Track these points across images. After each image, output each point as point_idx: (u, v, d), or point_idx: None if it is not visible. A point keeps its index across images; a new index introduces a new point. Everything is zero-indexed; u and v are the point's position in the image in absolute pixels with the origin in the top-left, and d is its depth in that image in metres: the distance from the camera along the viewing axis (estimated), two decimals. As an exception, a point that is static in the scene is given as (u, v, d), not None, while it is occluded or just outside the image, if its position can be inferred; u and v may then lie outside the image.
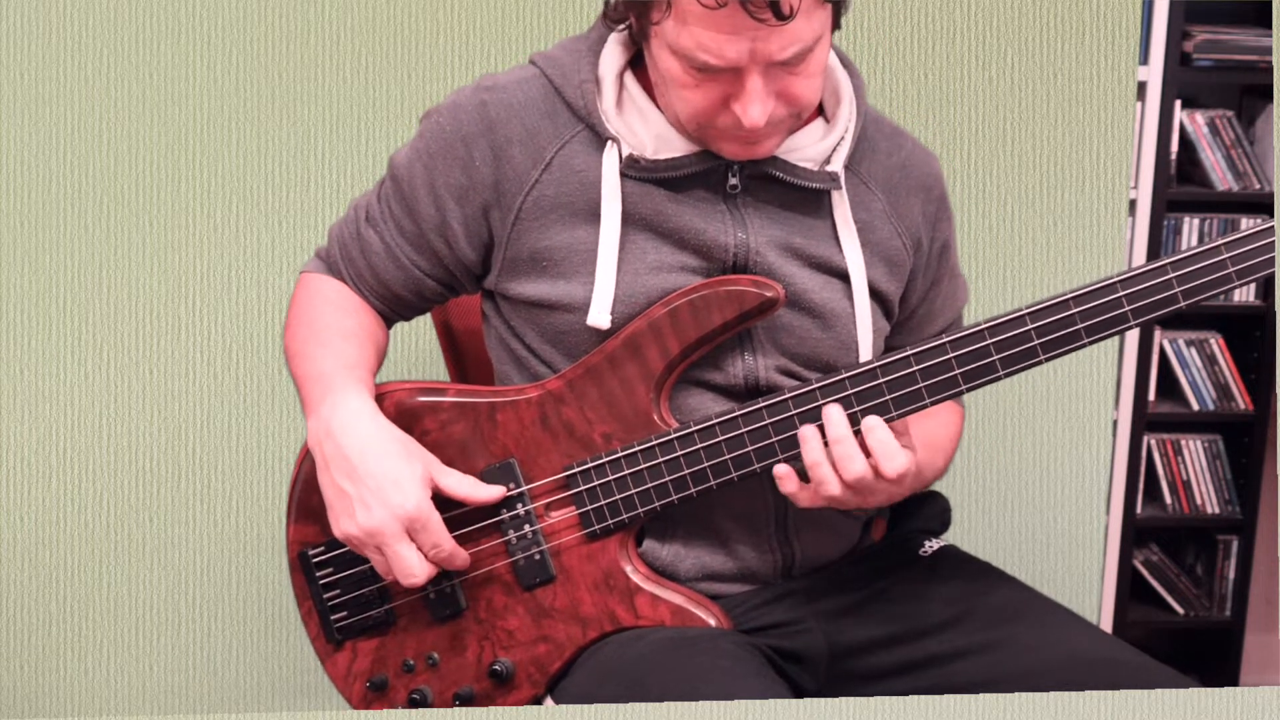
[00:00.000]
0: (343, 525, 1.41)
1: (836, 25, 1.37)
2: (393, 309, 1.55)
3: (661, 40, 1.34)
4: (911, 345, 1.38)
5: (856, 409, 1.38)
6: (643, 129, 1.43)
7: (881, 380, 1.38)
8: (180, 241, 2.06)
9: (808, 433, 1.37)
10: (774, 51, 1.30)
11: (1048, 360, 1.37)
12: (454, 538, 1.43)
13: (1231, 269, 1.34)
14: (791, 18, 1.28)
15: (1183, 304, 1.35)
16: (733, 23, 1.28)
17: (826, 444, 1.37)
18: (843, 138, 1.46)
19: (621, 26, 1.43)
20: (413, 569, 1.40)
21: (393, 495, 1.38)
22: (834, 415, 1.37)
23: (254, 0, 2.00)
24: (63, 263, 2.05)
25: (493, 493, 1.44)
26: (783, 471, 1.38)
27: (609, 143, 1.43)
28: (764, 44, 1.30)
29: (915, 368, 1.37)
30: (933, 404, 1.38)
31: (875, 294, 1.49)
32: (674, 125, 1.42)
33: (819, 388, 1.39)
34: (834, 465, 1.36)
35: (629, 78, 1.45)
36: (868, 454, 1.36)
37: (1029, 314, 1.37)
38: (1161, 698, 1.38)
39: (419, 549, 1.40)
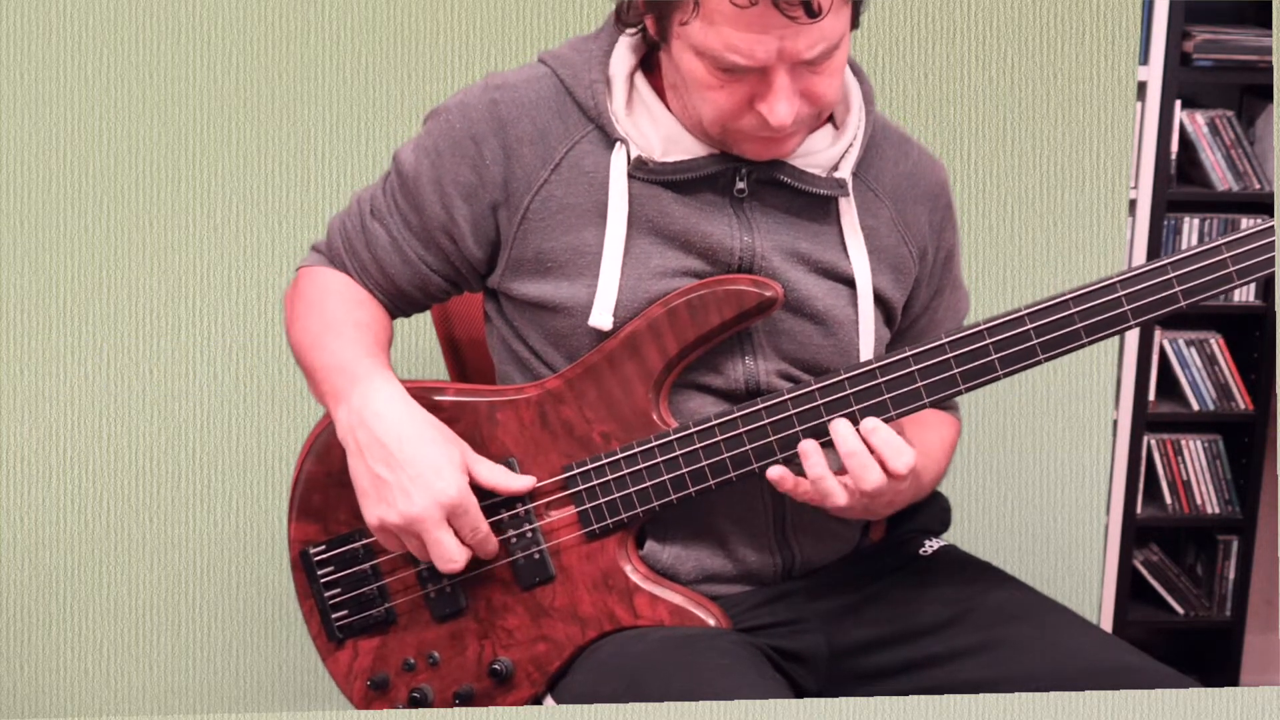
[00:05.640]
0: (380, 513, 1.40)
1: (855, 24, 1.38)
2: (395, 304, 1.55)
3: (685, 42, 1.34)
4: (911, 346, 1.39)
5: (855, 408, 1.39)
6: (652, 130, 1.43)
7: (880, 380, 1.38)
8: (180, 241, 2.06)
9: (808, 448, 1.37)
10: (801, 50, 1.31)
11: (1046, 360, 1.37)
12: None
13: (1232, 268, 1.34)
14: (822, 15, 1.28)
15: (1183, 304, 1.35)
16: (763, 22, 1.28)
17: (829, 456, 1.36)
18: (851, 144, 1.46)
19: (634, 31, 1.43)
20: (453, 554, 1.40)
21: (434, 482, 1.39)
22: (843, 429, 1.37)
23: (254, 0, 2.00)
24: (63, 263, 2.05)
25: (524, 482, 1.44)
26: (776, 474, 1.38)
27: (617, 144, 1.42)
28: (792, 42, 1.30)
29: (914, 368, 1.37)
30: (932, 404, 1.38)
31: (880, 301, 1.49)
32: (687, 128, 1.42)
33: (818, 388, 1.39)
34: (853, 477, 1.36)
35: (639, 79, 1.45)
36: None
37: (1028, 314, 1.37)
38: (1161, 698, 1.38)
39: (457, 534, 1.41)
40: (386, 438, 1.40)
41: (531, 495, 1.45)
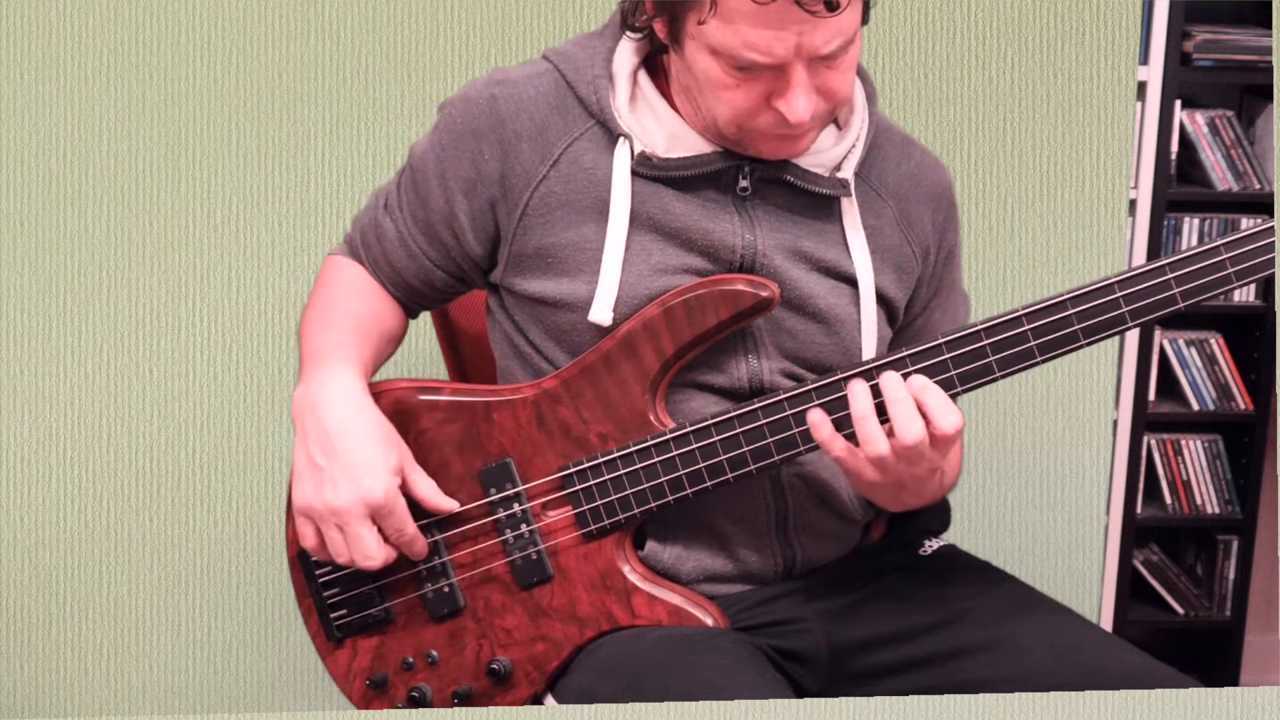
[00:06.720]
0: (307, 495, 1.42)
1: (865, 19, 1.38)
2: (407, 298, 1.56)
3: (700, 42, 1.34)
4: (908, 346, 1.38)
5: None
6: (655, 127, 1.43)
7: (878, 380, 1.38)
8: (180, 241, 2.06)
9: (858, 389, 1.35)
10: (819, 45, 1.31)
11: (1045, 361, 1.37)
12: (449, 535, 1.46)
13: (1230, 269, 1.34)
14: (841, 9, 1.29)
15: (1181, 305, 1.35)
16: (782, 18, 1.29)
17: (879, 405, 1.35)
18: (854, 145, 1.46)
19: (640, 35, 1.43)
20: (370, 551, 1.42)
21: (364, 479, 1.40)
22: (892, 379, 1.34)
23: (254, 0, 2.00)
24: (63, 263, 2.05)
25: (450, 505, 1.45)
26: (817, 416, 1.36)
27: (620, 139, 1.42)
28: (810, 38, 1.30)
29: (911, 369, 1.37)
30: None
31: (882, 300, 1.49)
32: (691, 126, 1.42)
33: (815, 388, 1.39)
34: (893, 428, 1.33)
35: (642, 76, 1.45)
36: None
37: (1026, 314, 1.36)
38: (1161, 698, 1.38)
39: (383, 533, 1.42)
40: (329, 426, 1.42)
41: (528, 495, 1.45)
